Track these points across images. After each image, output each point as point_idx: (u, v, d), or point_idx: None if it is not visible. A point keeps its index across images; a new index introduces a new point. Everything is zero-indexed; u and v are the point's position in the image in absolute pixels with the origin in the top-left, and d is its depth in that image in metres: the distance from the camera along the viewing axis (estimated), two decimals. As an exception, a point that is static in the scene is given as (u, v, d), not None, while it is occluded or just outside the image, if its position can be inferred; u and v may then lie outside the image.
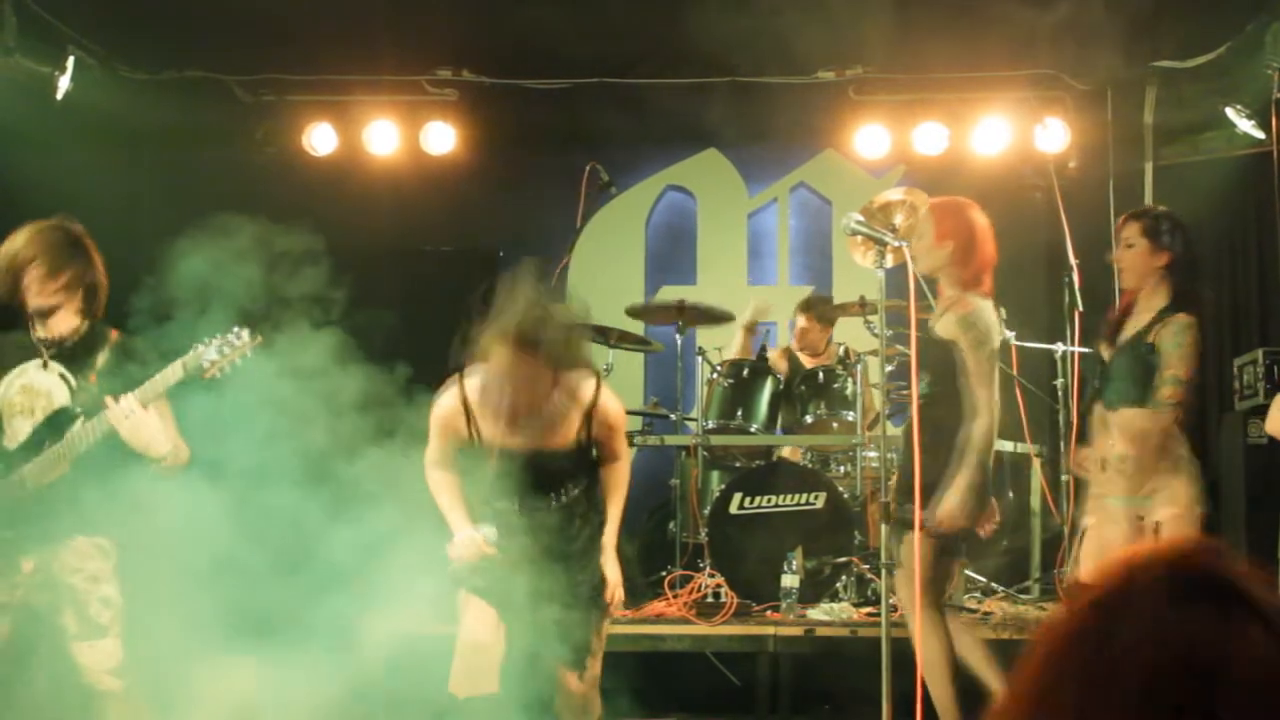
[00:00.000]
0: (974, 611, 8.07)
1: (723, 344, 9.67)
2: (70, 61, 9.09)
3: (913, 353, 5.97)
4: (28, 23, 8.70)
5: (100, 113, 9.52)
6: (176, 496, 5.56)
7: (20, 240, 5.53)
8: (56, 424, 5.42)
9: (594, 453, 5.67)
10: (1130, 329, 6.16)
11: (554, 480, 5.53)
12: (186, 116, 9.86)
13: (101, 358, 5.57)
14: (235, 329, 5.52)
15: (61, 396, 5.49)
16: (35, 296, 5.48)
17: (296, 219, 5.95)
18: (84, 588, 5.40)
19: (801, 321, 9.92)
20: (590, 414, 5.51)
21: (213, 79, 10.27)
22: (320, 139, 10.73)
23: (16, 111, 8.74)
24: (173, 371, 5.43)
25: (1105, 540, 6.00)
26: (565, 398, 5.46)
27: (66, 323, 5.57)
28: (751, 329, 9.78)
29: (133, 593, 5.57)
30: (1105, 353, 6.26)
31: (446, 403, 5.51)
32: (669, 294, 10.99)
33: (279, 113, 10.62)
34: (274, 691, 5.82)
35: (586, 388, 5.51)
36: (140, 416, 5.34)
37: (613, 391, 5.69)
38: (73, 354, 5.56)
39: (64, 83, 9.06)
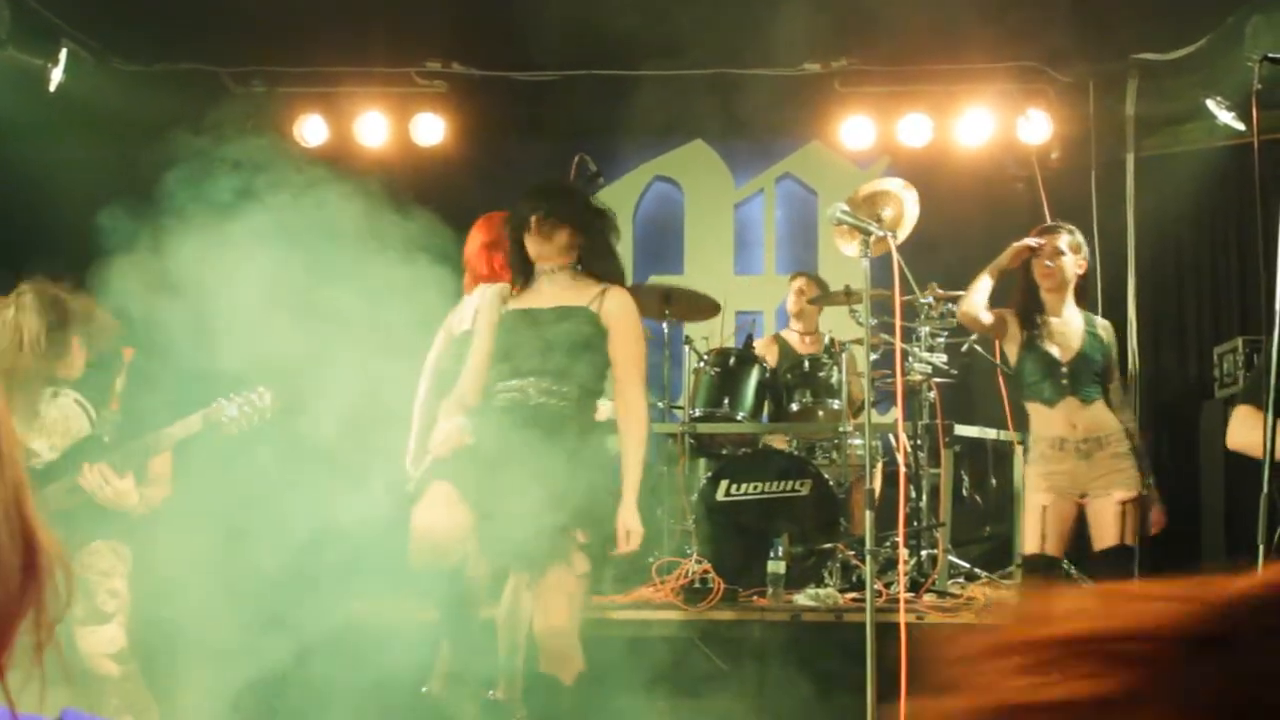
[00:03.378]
0: (957, 596, 8.16)
1: (709, 333, 9.74)
2: (63, 54, 9.13)
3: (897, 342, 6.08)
4: (21, 15, 8.73)
5: (93, 105, 9.56)
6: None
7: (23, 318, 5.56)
8: (82, 452, 5.50)
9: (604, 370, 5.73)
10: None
11: (557, 364, 5.60)
12: (178, 108, 9.90)
13: (119, 381, 5.66)
14: (259, 389, 5.60)
15: (80, 424, 5.59)
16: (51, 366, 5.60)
17: (287, 209, 6.00)
18: (95, 579, 5.54)
19: (799, 284, 9.94)
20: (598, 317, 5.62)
21: (204, 71, 10.32)
22: (311, 130, 10.78)
23: (10, 103, 8.77)
24: (190, 424, 5.52)
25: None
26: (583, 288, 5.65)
27: (75, 366, 5.69)
28: None
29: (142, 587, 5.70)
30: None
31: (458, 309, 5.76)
32: (656, 284, 11.04)
33: (270, 104, 10.67)
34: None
35: (603, 289, 5.67)
36: (115, 486, 5.45)
37: (632, 308, 5.74)
38: (87, 382, 5.67)
39: (57, 75, 9.11)
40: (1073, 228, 6.88)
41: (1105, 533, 6.48)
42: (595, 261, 5.70)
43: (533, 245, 5.65)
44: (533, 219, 5.61)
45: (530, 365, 5.57)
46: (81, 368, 5.70)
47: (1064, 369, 6.58)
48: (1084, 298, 6.79)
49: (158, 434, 5.51)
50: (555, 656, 5.51)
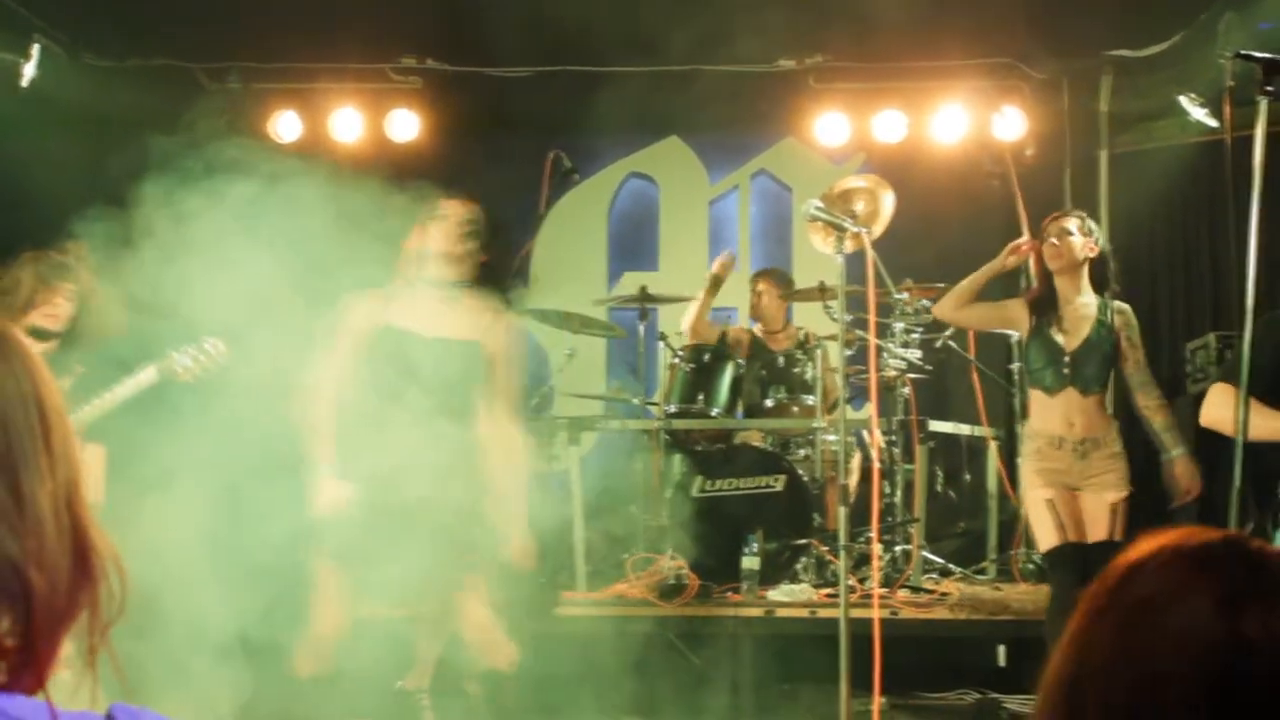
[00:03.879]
0: (931, 592, 8.18)
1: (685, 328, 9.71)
2: (35, 49, 9.10)
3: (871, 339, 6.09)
4: (-8, 11, 8.73)
5: (66, 100, 9.52)
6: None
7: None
8: None
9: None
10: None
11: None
12: (152, 104, 9.87)
13: (65, 385, 5.63)
14: (210, 339, 5.57)
15: None
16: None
17: (261, 206, 5.99)
18: None
19: (759, 286, 9.91)
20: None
21: (178, 67, 10.28)
22: (285, 127, 10.75)
23: (-18, 99, 8.76)
24: (143, 376, 5.48)
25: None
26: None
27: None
28: (716, 287, 9.68)
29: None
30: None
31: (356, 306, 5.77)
32: (631, 280, 11.03)
33: (244, 101, 10.64)
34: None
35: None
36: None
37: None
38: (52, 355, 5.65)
39: (29, 70, 9.07)
40: (1083, 213, 6.84)
41: (1096, 527, 6.49)
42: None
43: None
44: None
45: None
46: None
47: (1067, 358, 6.56)
48: (1102, 284, 6.72)
49: (108, 391, 5.46)
50: (487, 649, 5.76)
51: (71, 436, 1.49)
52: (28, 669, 1.38)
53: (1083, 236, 6.63)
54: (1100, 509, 6.49)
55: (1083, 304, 6.63)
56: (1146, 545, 1.53)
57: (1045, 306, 6.69)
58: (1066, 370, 6.56)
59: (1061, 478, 6.51)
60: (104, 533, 1.52)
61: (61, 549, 1.43)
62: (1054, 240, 6.62)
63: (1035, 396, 6.72)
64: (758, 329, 9.89)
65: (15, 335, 1.51)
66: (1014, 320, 6.87)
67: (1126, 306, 6.72)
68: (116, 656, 1.48)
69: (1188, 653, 1.40)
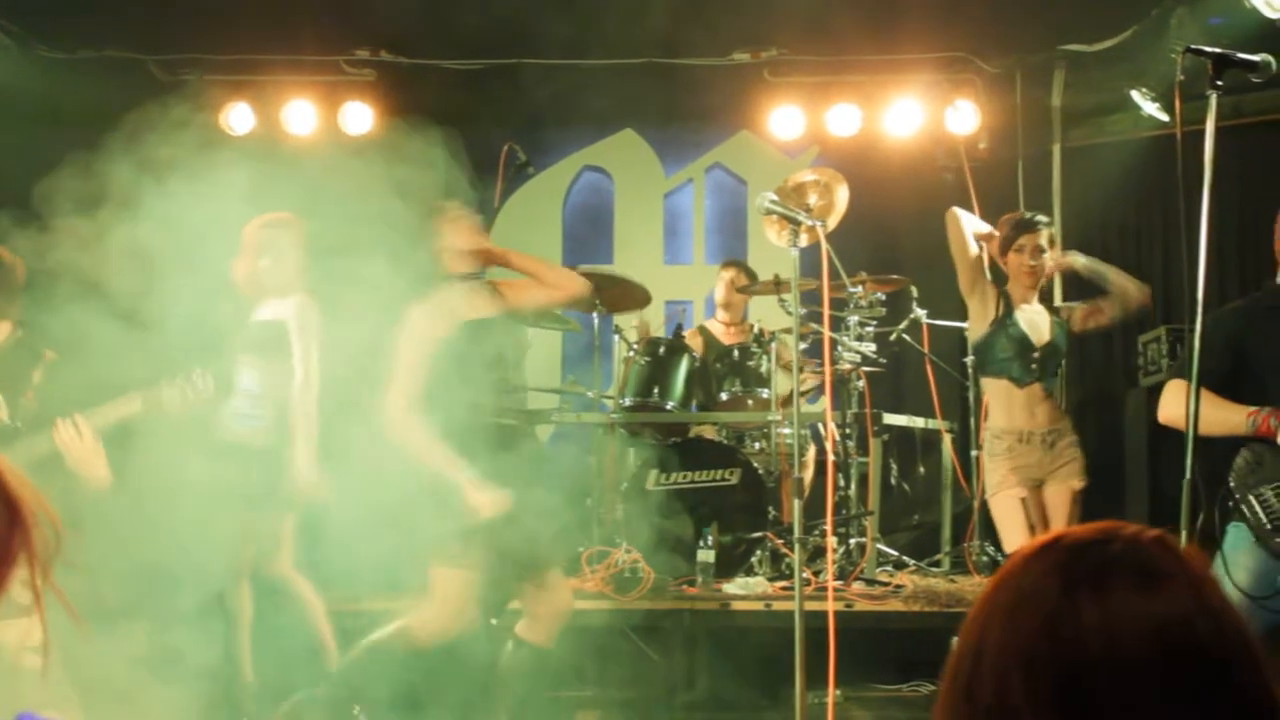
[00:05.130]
0: (885, 584, 8.21)
1: (635, 321, 9.69)
2: (-14, 40, 9.04)
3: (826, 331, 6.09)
4: (-58, 2, 8.66)
5: (17, 92, 9.45)
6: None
7: None
8: None
9: None
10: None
11: None
12: (104, 96, 9.80)
13: (37, 374, 5.57)
14: (199, 372, 5.52)
15: None
16: None
17: (216, 198, 5.97)
18: None
19: (729, 274, 9.88)
20: None
21: (130, 58, 10.20)
22: (238, 119, 10.68)
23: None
24: (128, 403, 5.42)
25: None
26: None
27: None
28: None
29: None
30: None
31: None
32: (588, 271, 11.01)
33: (196, 92, 10.55)
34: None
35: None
36: (90, 442, 5.34)
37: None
38: (3, 369, 5.56)
39: (-21, 62, 9.02)
40: (1048, 219, 6.88)
41: (1057, 518, 6.53)
42: None
43: None
44: None
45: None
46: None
47: (1036, 353, 6.60)
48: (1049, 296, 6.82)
49: (91, 413, 5.41)
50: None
51: None
52: None
53: (1050, 249, 6.69)
54: (1063, 497, 6.55)
55: (1037, 307, 6.71)
56: (1037, 539, 1.73)
57: (1008, 299, 6.72)
58: (1035, 366, 6.60)
59: (1032, 473, 6.55)
60: (27, 483, 1.64)
61: None
62: (1030, 261, 6.64)
63: (997, 388, 6.71)
64: (715, 320, 9.90)
65: None
66: (983, 294, 6.83)
67: (1070, 306, 6.83)
68: (63, 595, 1.59)
69: (1042, 632, 1.60)
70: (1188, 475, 4.37)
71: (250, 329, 6.52)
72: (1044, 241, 6.67)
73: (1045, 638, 1.59)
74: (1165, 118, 9.50)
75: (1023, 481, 6.54)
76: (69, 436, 5.28)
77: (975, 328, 6.83)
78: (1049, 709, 1.56)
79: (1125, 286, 6.68)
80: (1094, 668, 1.55)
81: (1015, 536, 6.56)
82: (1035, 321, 6.67)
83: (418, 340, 5.77)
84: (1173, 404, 5.31)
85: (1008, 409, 6.66)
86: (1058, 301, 6.85)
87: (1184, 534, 4.45)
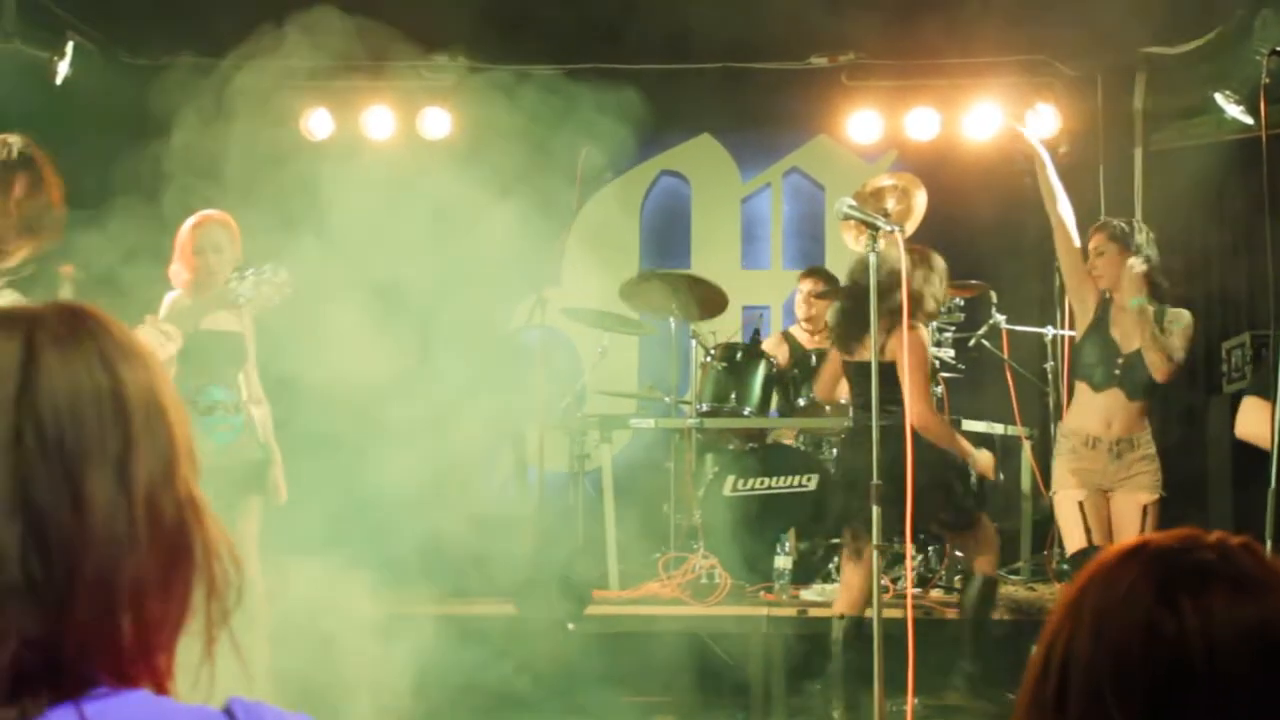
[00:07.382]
0: (960, 591, 8.15)
1: (716, 329, 9.67)
2: (69, 47, 9.12)
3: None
4: (26, 8, 8.73)
5: (102, 98, 9.54)
6: None
7: None
8: None
9: None
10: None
11: None
12: (186, 102, 9.89)
13: (64, 292, 5.48)
14: (271, 264, 5.49)
15: None
16: None
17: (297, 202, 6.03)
18: None
19: (808, 285, 9.84)
20: None
21: (211, 64, 10.28)
22: (318, 124, 10.75)
23: (16, 97, 8.75)
24: (204, 303, 5.40)
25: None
26: None
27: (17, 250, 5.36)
28: None
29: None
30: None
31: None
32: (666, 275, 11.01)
33: (277, 98, 10.63)
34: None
35: None
36: (170, 332, 5.31)
37: None
38: (30, 286, 5.44)
39: (63, 68, 9.09)
40: (1120, 224, 6.81)
41: (1125, 530, 6.47)
42: None
43: None
44: None
45: None
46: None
47: (1120, 359, 6.55)
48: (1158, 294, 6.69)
49: (171, 316, 5.37)
50: None
51: (167, 421, 1.41)
52: (138, 665, 1.35)
53: (1118, 254, 6.61)
54: (1132, 510, 6.49)
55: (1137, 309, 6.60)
56: (1120, 545, 1.71)
57: (1108, 304, 6.67)
58: (1117, 371, 6.54)
59: (1094, 478, 6.50)
60: (214, 522, 1.44)
61: (149, 543, 1.36)
62: (1092, 271, 6.65)
63: (1079, 390, 6.70)
64: (799, 327, 9.85)
65: (94, 317, 1.45)
66: (1084, 296, 6.80)
67: (1183, 313, 6.68)
68: (239, 646, 1.42)
69: (1140, 638, 1.56)
70: (1272, 484, 4.33)
71: (210, 339, 6.29)
72: (1097, 244, 6.66)
73: (1143, 644, 1.56)
74: (1250, 121, 9.36)
75: (1083, 485, 6.49)
76: (151, 333, 5.24)
77: (1077, 331, 6.85)
78: (1141, 715, 1.54)
79: (1159, 348, 6.58)
80: (1192, 672, 1.53)
81: (1072, 536, 6.55)
82: (1128, 329, 6.60)
83: (924, 357, 6.74)
84: (1249, 422, 5.28)
85: (1081, 411, 6.65)
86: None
87: (1269, 543, 4.40)
